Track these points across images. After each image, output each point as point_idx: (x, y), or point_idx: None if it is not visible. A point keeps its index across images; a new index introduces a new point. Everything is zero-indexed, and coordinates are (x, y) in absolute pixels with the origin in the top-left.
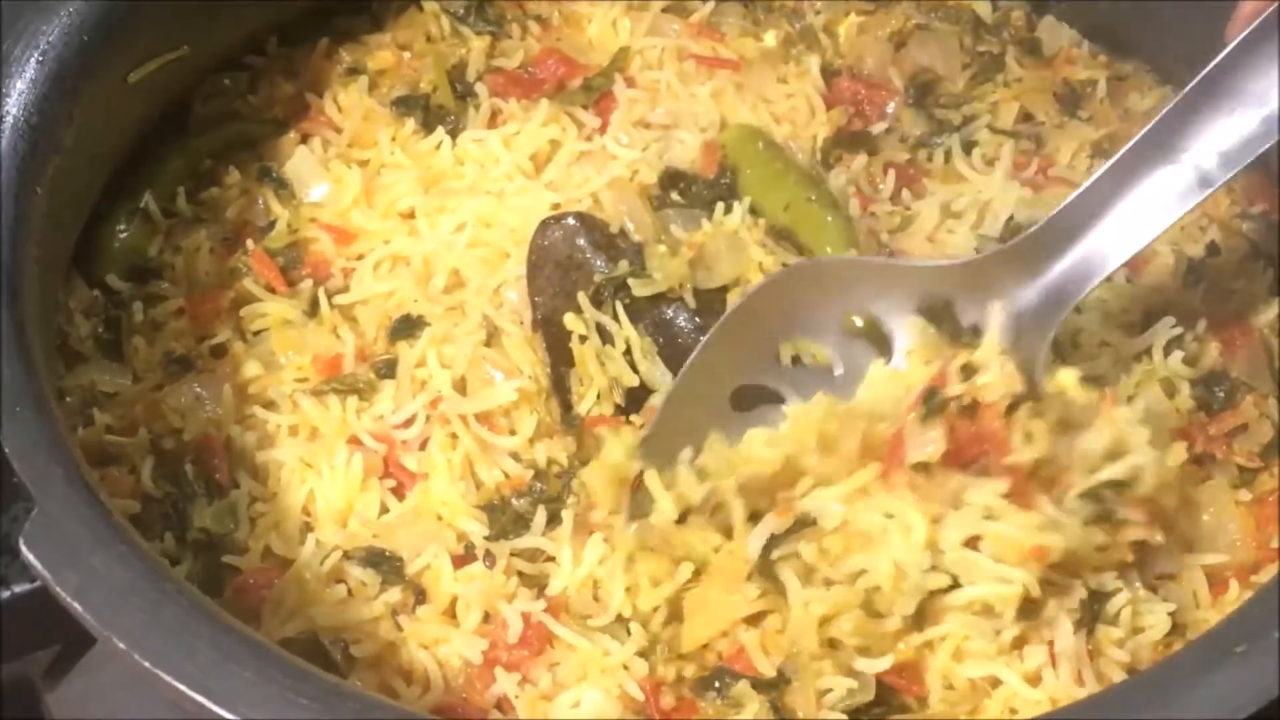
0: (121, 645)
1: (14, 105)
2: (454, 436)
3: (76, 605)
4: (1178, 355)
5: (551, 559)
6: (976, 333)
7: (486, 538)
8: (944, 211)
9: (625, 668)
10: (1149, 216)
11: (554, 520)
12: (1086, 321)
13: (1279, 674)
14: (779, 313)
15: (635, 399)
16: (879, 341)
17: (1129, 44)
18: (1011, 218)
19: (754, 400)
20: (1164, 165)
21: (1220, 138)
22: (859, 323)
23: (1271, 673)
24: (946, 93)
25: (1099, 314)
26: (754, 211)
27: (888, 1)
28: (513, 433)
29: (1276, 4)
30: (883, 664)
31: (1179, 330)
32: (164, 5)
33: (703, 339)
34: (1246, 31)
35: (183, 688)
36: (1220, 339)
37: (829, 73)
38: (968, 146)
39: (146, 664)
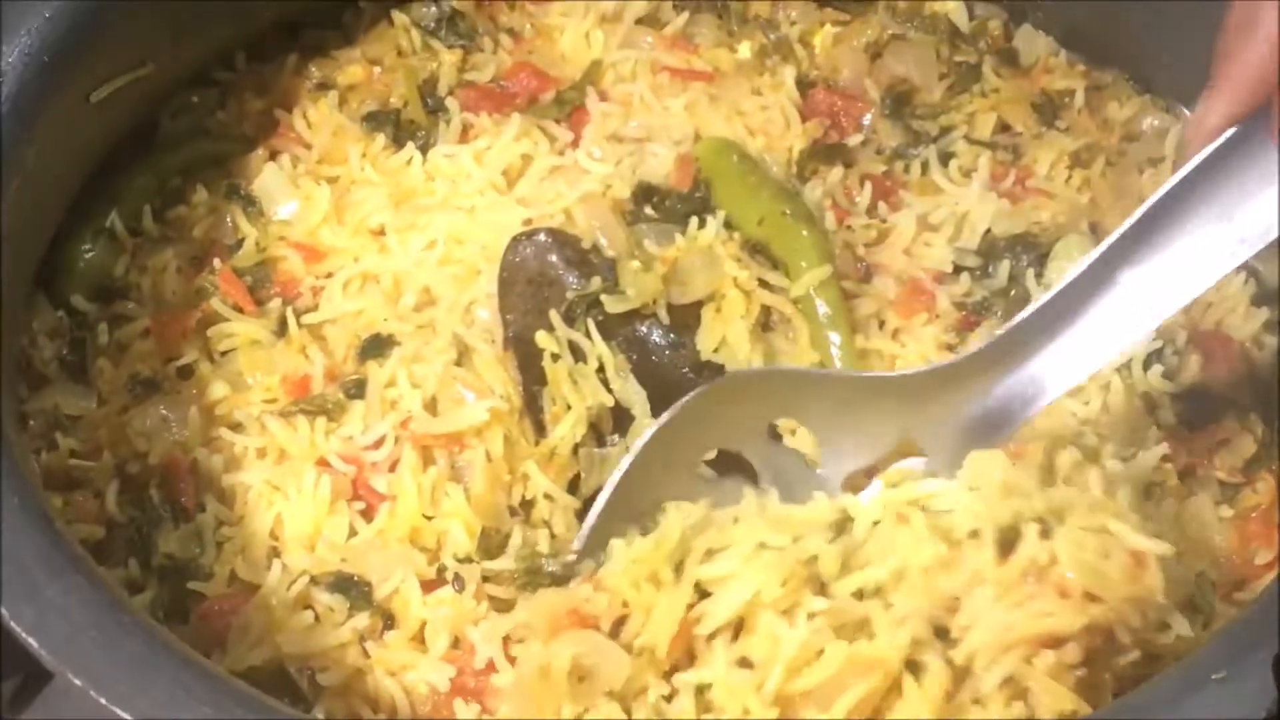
0: (77, 681)
1: None
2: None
3: (31, 640)
4: (1158, 369)
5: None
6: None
7: (460, 559)
8: (921, 224)
9: None
10: (1102, 341)
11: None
12: None
13: (1257, 699)
14: (702, 427)
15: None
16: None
17: (1107, 52)
18: (989, 230)
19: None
20: (1111, 290)
21: (1176, 260)
22: (783, 430)
23: (1250, 699)
24: (923, 104)
25: None
26: (729, 226)
27: (864, 12)
28: (488, 454)
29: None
30: None
31: (1159, 343)
32: (127, 24)
33: (624, 459)
34: (1210, 148)
35: None
36: (1201, 351)
37: (804, 84)
38: (945, 158)
39: (103, 700)
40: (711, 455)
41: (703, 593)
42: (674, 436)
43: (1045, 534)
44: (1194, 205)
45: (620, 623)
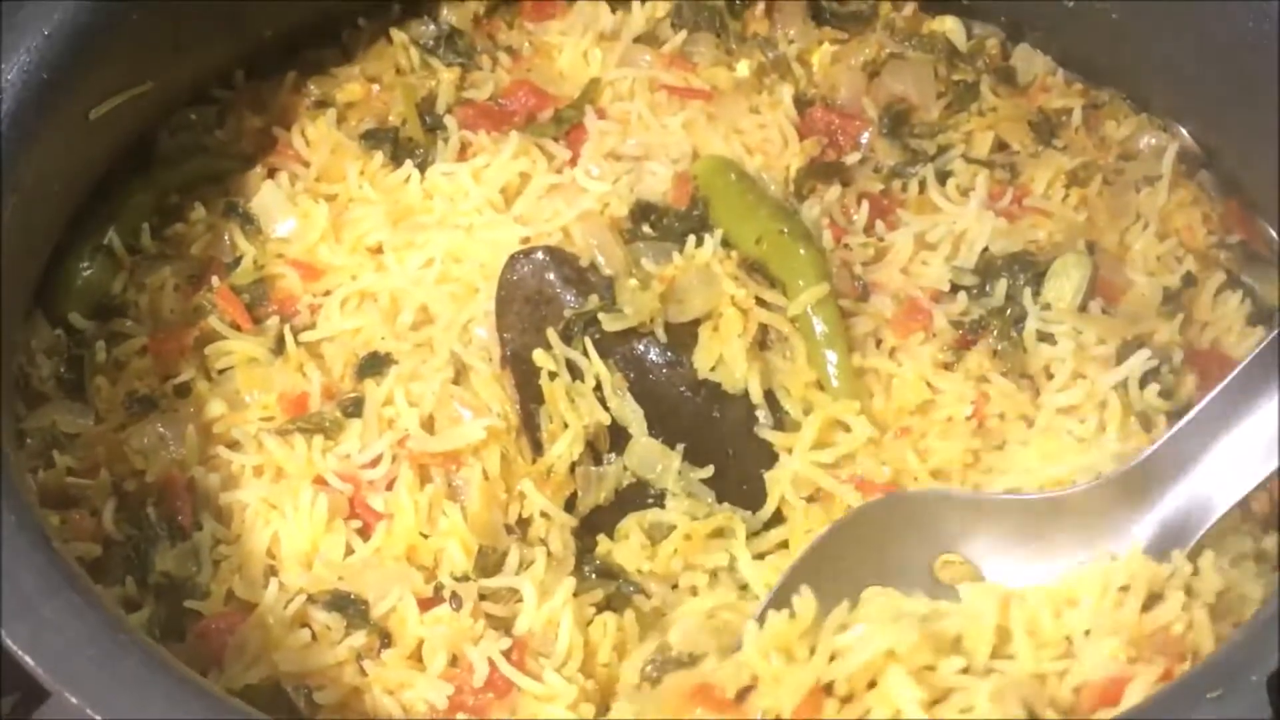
0: (74, 699)
1: None
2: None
3: (27, 658)
4: (1154, 388)
5: (522, 599)
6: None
7: (457, 578)
8: (918, 242)
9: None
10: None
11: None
12: (1060, 352)
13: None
14: (863, 553)
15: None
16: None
17: (1104, 71)
18: (986, 248)
19: None
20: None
21: None
22: (948, 566)
23: (1246, 717)
24: (921, 122)
25: (1073, 345)
26: (726, 244)
27: (862, 30)
28: (485, 473)
29: None
30: None
31: (1155, 362)
32: (126, 42)
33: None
34: None
35: None
36: (1197, 371)
37: (802, 103)
38: (942, 176)
39: (99, 718)
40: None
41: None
42: (831, 558)
43: None
44: None
45: (746, 692)
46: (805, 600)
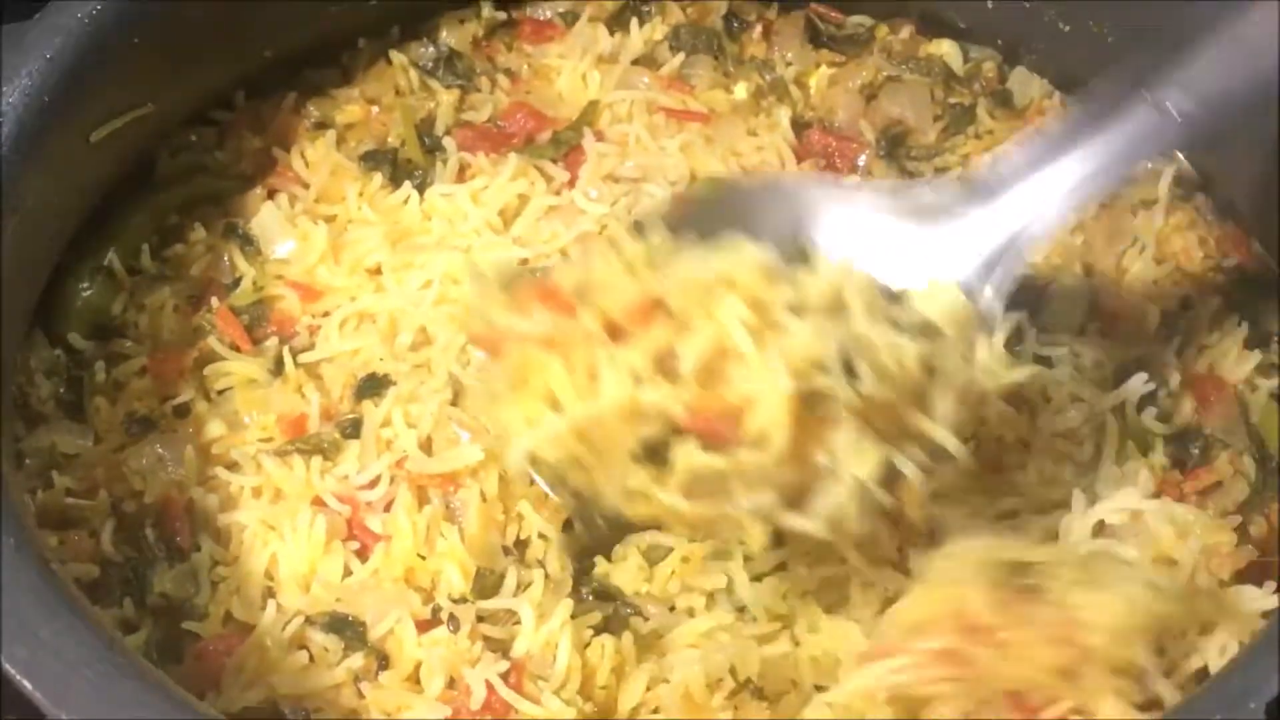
0: None
1: None
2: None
3: (25, 682)
4: (1151, 411)
5: (520, 621)
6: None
7: (455, 599)
8: None
9: None
10: (1119, 156)
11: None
12: (1058, 375)
13: None
14: (723, 215)
15: None
16: None
17: None
18: None
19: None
20: (1141, 105)
21: (1206, 79)
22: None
23: None
24: (918, 144)
25: (1070, 368)
26: None
27: (859, 53)
28: (483, 494)
29: None
30: None
31: (1152, 386)
32: (127, 64)
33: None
34: None
35: None
36: (1194, 394)
37: (800, 125)
38: None
39: None
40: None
41: None
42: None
43: None
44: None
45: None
46: (659, 231)
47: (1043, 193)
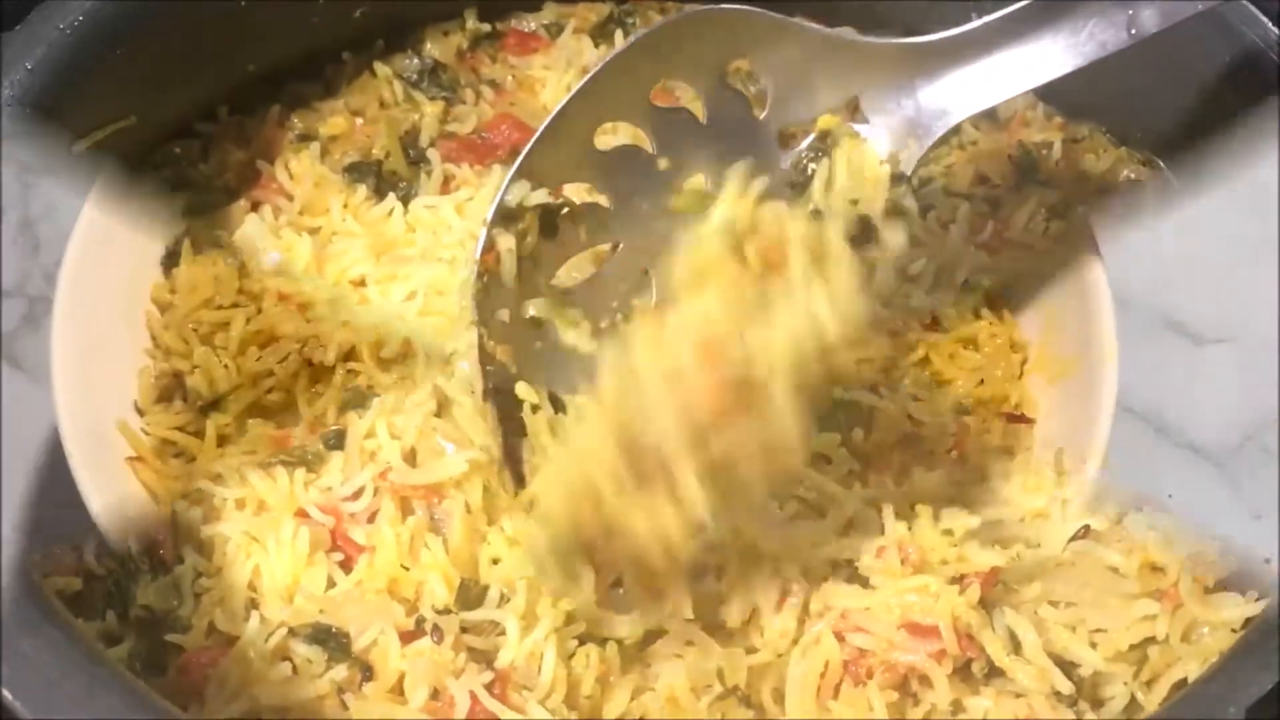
0: None
1: None
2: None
3: (6, 694)
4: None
5: (504, 632)
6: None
7: (439, 610)
8: (900, 275)
9: None
10: (1060, 55)
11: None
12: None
13: None
14: (661, 55)
15: None
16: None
17: (1083, 106)
18: (966, 280)
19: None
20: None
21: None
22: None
23: None
24: None
25: None
26: None
27: None
28: (467, 505)
29: None
30: None
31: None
32: (110, 76)
33: (579, 83)
34: None
35: None
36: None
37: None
38: (923, 210)
39: None
40: (659, 84)
41: None
42: (632, 62)
43: None
44: None
45: None
46: None
47: (981, 78)
